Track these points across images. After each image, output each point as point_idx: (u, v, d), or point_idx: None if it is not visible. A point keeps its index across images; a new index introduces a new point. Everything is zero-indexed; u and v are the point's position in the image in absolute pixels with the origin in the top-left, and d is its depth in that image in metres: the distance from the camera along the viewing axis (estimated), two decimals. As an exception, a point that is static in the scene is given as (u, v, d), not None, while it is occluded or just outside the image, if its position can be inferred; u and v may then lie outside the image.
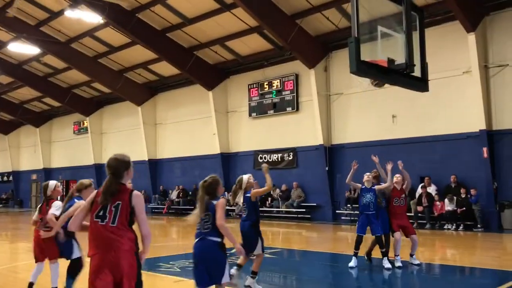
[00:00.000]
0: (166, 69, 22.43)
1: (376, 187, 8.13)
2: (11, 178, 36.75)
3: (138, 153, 25.40)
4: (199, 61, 20.71)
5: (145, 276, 7.95)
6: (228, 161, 21.50)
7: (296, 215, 18.29)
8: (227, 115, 21.67)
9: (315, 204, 18.42)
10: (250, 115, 20.63)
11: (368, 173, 8.27)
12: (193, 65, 20.50)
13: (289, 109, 19.29)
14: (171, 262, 8.73)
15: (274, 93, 19.75)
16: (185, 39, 19.76)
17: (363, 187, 8.17)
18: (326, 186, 17.99)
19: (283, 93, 19.46)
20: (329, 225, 16.83)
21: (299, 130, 19.02)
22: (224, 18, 17.69)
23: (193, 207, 22.07)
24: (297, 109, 19.07)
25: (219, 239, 4.72)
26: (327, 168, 17.92)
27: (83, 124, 29.57)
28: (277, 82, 19.61)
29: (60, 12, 18.69)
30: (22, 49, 21.80)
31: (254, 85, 20.44)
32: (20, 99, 31.08)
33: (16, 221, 21.87)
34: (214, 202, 5.00)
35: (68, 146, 31.51)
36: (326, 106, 18.13)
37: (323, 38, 17.78)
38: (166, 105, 24.77)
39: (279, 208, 18.90)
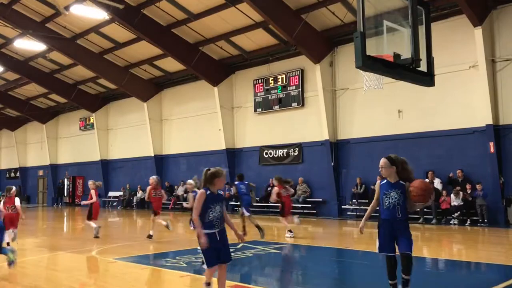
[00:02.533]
0: (171, 65, 22.46)
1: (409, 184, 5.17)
2: (18, 174, 37.00)
3: (144, 149, 25.53)
4: (204, 57, 20.72)
5: (152, 270, 8.02)
6: (234, 157, 21.54)
7: (301, 210, 18.31)
8: (233, 111, 21.69)
9: (320, 200, 18.44)
10: (255, 110, 20.64)
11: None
12: (199, 60, 20.52)
13: (294, 104, 19.27)
14: (177, 257, 8.77)
15: (280, 89, 19.73)
16: (191, 35, 19.77)
17: (383, 182, 5.31)
18: (331, 181, 17.99)
19: (289, 88, 19.44)
20: (335, 221, 16.85)
21: (305, 125, 19.01)
22: (229, 13, 17.68)
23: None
24: (303, 105, 19.05)
25: None
26: (332, 164, 17.91)
27: (89, 120, 29.69)
28: (283, 77, 19.59)
29: (66, 8, 18.72)
30: (28, 45, 21.89)
31: (260, 81, 20.43)
32: (27, 96, 31.24)
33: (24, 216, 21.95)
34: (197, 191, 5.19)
35: (75, 142, 31.67)
36: (331, 101, 18.10)
37: (329, 32, 17.73)
38: (171, 101, 24.82)
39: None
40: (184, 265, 8.04)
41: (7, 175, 38.55)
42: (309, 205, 18.41)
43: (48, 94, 29.92)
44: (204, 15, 18.11)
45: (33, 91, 29.54)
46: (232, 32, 18.99)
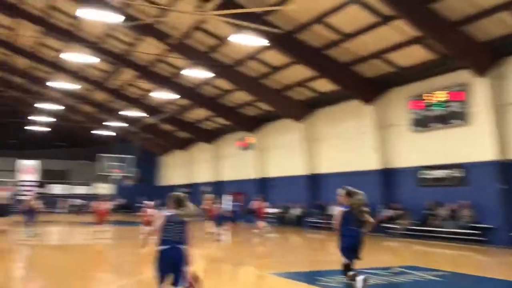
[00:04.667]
0: (324, 85, 22.78)
1: None
2: (189, 189, 40.83)
3: (297, 167, 26.14)
4: (357, 76, 20.60)
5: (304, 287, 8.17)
6: (388, 177, 20.80)
7: (465, 237, 16.81)
8: (387, 129, 21.06)
9: (487, 226, 16.71)
10: (411, 129, 19.73)
11: None
12: (351, 80, 20.45)
13: (455, 121, 17.93)
14: (329, 277, 8.79)
15: (439, 105, 18.55)
16: (343, 55, 19.87)
17: None
18: (500, 206, 16.21)
19: (449, 104, 18.17)
20: (506, 250, 15.09)
21: (468, 144, 17.51)
22: (383, 31, 17.35)
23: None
24: (465, 121, 17.63)
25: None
26: (502, 186, 16.15)
27: (248, 140, 31.55)
28: (442, 93, 18.41)
29: (227, 39, 20.37)
30: (196, 74, 24.24)
31: (416, 97, 19.52)
32: (195, 119, 34.54)
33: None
34: None
35: (236, 161, 33.88)
36: (499, 117, 16.43)
37: (494, 43, 16.21)
38: (324, 121, 25.08)
39: (445, 228, 17.58)
40: (337, 285, 8.03)
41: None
42: (473, 232, 16.80)
43: (213, 117, 32.64)
44: (357, 34, 18.06)
45: (200, 114, 32.57)
46: (386, 49, 18.57)
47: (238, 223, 20.69)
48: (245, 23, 16.48)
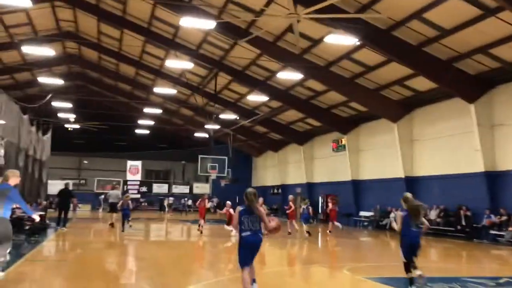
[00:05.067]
0: (422, 84, 21.82)
1: None
2: (280, 190, 41.32)
3: (394, 170, 25.29)
4: (458, 73, 19.44)
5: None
6: (494, 180, 19.36)
7: None
8: (493, 129, 19.61)
9: None
10: (521, 128, 18.21)
11: None
12: (452, 77, 19.33)
13: None
14: (429, 284, 8.44)
15: (553, 102, 16.93)
16: (443, 51, 18.88)
17: None
18: None
19: None
20: None
21: None
22: (487, 24, 16.21)
23: (454, 229, 20.80)
24: None
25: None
26: None
27: (341, 142, 31.12)
28: (557, 89, 16.78)
29: (320, 39, 20.31)
30: (289, 76, 24.45)
31: (527, 95, 18.00)
32: (287, 120, 34.83)
33: (284, 230, 24.35)
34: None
35: (328, 162, 33.61)
36: None
37: None
38: (422, 121, 23.99)
39: None
40: (436, 293, 7.68)
41: (271, 191, 43.43)
42: None
43: (305, 119, 32.69)
44: (458, 29, 17.05)
45: (292, 116, 32.80)
46: (491, 44, 17.32)
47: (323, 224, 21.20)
48: (338, 24, 16.33)
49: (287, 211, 20.55)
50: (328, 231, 20.65)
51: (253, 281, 6.63)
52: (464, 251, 15.84)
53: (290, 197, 20.79)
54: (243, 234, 6.54)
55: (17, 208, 11.26)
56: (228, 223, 18.79)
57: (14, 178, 7.70)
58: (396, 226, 7.98)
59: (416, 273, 7.49)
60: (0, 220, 7.29)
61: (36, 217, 8.71)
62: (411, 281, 7.64)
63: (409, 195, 8.06)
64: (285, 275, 9.88)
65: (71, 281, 8.12)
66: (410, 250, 7.70)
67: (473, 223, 19.56)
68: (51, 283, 7.89)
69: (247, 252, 6.56)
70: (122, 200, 20.35)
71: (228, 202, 20.43)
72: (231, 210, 18.40)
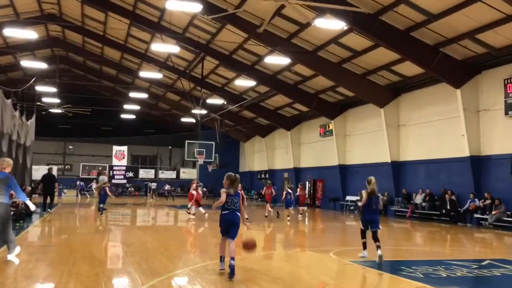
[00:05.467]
0: (409, 69, 21.86)
1: None
2: (267, 175, 41.40)
3: (380, 155, 25.47)
4: (445, 58, 19.50)
5: (387, 277, 7.98)
6: (479, 165, 19.59)
7: None
8: (478, 114, 19.78)
9: None
10: (506, 113, 18.37)
11: None
12: (439, 62, 19.39)
13: (558, 105, 16.43)
14: (413, 267, 8.53)
15: (538, 88, 17.09)
16: (430, 36, 18.88)
17: None
18: None
19: (550, 87, 16.67)
20: None
21: None
22: (474, 9, 16.23)
23: (439, 213, 21.06)
24: None
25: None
26: None
27: (329, 127, 31.18)
28: (542, 75, 16.93)
29: (308, 24, 20.16)
30: (276, 60, 24.30)
31: (512, 80, 18.14)
32: (275, 106, 34.74)
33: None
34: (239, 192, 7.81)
35: (315, 147, 33.70)
36: None
37: None
38: (409, 106, 24.10)
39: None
40: (421, 276, 7.77)
41: (258, 176, 43.51)
42: None
43: (293, 104, 32.63)
44: (446, 14, 17.05)
45: (279, 101, 32.70)
46: (478, 29, 17.37)
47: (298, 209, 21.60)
48: (326, 5, 16.19)
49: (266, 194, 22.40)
50: (299, 215, 21.47)
51: (232, 258, 7.19)
52: (448, 235, 16.06)
53: (268, 182, 23.69)
54: (223, 212, 7.55)
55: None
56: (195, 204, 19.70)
57: (9, 167, 8.43)
58: (360, 203, 9.75)
59: (378, 253, 8.91)
60: (1, 205, 8.01)
61: (31, 205, 8.96)
62: (364, 245, 9.54)
63: (372, 178, 9.42)
64: (272, 259, 9.91)
65: (56, 266, 8.04)
66: (368, 223, 9.48)
67: (458, 207, 19.82)
68: (35, 269, 7.81)
69: (224, 226, 7.62)
70: (99, 184, 21.29)
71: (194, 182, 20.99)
72: (194, 192, 19.77)
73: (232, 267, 7.11)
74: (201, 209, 19.71)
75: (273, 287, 6.76)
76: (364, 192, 9.42)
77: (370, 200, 9.35)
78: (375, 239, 9.18)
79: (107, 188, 20.32)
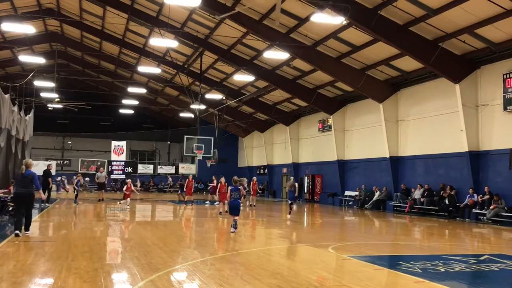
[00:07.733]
0: (408, 64, 21.84)
1: None
2: (266, 171, 41.43)
3: (379, 150, 25.49)
4: (444, 53, 19.48)
5: (385, 272, 8.01)
6: (478, 160, 19.63)
7: None
8: (477, 109, 19.79)
9: None
10: (505, 108, 18.38)
11: None
12: (438, 57, 19.39)
13: (556, 100, 16.44)
14: (412, 262, 8.55)
15: (537, 83, 17.09)
16: (429, 31, 18.86)
17: None
18: None
19: (549, 82, 16.67)
20: None
21: None
22: (473, 4, 16.21)
23: (438, 208, 21.14)
24: None
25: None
26: None
27: (327, 122, 31.17)
28: (541, 70, 16.92)
29: (307, 18, 20.11)
30: (275, 55, 24.25)
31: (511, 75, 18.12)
32: (273, 101, 34.70)
33: (270, 209, 24.54)
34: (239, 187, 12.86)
35: (314, 143, 33.70)
36: None
37: None
38: (408, 101, 24.10)
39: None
40: (419, 270, 7.79)
41: (258, 171, 43.53)
42: None
43: (291, 99, 32.60)
44: (445, 9, 17.02)
45: (278, 96, 32.66)
46: (476, 24, 17.35)
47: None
48: (324, 2, 16.13)
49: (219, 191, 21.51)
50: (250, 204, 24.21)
51: (235, 220, 12.50)
52: (446, 230, 16.09)
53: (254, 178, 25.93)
54: (230, 199, 12.69)
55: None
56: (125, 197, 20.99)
57: (31, 166, 10.97)
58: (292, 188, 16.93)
59: (287, 216, 14.16)
60: (30, 195, 10.92)
61: (44, 196, 13.91)
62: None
63: (291, 177, 13.58)
64: (271, 254, 9.93)
65: (55, 261, 8.05)
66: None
67: (457, 202, 19.85)
68: (34, 264, 7.81)
69: (230, 209, 12.92)
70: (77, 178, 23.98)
71: (128, 180, 21.95)
72: (133, 187, 21.56)
73: (235, 221, 12.41)
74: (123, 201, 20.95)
75: (272, 282, 6.77)
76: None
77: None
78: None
79: (80, 179, 23.51)
